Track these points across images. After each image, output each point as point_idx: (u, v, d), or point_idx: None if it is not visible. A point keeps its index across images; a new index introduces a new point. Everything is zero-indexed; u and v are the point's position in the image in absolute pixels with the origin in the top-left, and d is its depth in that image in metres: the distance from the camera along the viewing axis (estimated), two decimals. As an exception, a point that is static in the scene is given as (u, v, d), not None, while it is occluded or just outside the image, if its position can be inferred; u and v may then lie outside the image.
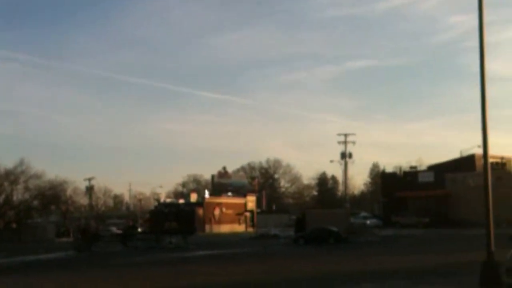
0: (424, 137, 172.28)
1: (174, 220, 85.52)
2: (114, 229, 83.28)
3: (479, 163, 62.64)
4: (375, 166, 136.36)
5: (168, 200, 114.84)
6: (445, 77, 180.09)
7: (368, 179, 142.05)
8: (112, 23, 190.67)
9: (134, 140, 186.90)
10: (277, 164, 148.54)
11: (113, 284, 29.18)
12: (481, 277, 22.56)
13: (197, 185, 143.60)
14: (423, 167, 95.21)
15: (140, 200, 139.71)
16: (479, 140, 23.88)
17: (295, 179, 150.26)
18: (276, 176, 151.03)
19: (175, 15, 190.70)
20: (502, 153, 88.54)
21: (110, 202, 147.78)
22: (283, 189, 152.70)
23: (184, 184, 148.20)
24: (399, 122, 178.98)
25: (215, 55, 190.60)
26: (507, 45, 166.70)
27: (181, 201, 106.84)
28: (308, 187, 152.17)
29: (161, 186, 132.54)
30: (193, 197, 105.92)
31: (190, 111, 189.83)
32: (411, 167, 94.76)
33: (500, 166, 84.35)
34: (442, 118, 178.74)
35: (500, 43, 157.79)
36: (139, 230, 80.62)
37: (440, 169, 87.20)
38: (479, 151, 24.32)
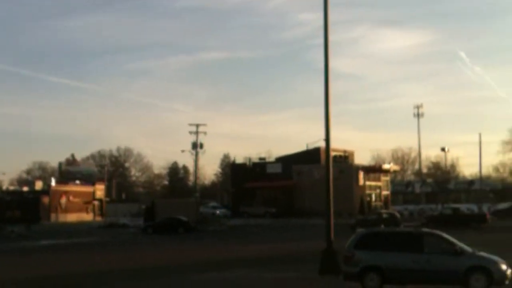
0: (274, 129, 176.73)
1: (17, 208, 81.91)
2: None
3: (324, 156, 65.15)
4: (225, 157, 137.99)
5: (11, 187, 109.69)
6: (295, 71, 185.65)
7: (219, 170, 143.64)
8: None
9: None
10: (128, 152, 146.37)
11: None
12: (321, 265, 23.59)
13: (43, 172, 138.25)
14: (272, 158, 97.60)
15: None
16: (324, 133, 24.87)
17: (146, 168, 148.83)
18: (126, 165, 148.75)
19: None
20: (345, 147, 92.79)
21: None
22: (133, 178, 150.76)
23: (29, 171, 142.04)
24: (250, 114, 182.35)
25: (65, 39, 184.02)
26: (352, 44, 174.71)
27: (25, 189, 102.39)
28: (159, 176, 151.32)
29: (3, 173, 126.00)
30: (38, 185, 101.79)
31: (37, 96, 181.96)
32: (260, 159, 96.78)
33: (343, 159, 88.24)
34: (292, 111, 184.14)
35: (345, 41, 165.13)
36: (-22, 219, 76.34)
37: (287, 161, 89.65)
38: (324, 144, 25.41)
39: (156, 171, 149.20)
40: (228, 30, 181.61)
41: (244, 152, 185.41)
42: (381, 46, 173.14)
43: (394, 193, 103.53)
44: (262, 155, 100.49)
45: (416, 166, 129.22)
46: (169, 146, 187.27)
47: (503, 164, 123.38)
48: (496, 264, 19.22)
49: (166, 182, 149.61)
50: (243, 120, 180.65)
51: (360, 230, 22.10)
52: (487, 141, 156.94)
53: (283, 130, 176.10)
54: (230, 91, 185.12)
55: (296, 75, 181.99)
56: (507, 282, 19.08)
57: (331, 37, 24.71)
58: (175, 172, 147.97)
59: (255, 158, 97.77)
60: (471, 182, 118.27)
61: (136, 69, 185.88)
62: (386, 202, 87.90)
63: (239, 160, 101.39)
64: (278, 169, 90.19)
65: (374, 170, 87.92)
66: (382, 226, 35.98)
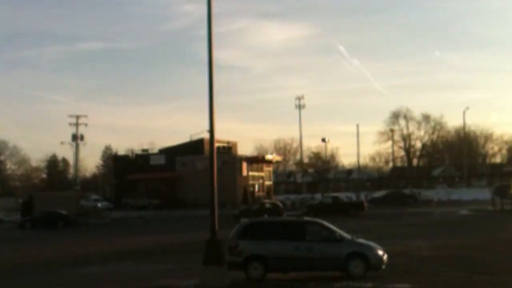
0: (157, 121, 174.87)
1: None
2: None
3: (208, 147, 65.35)
4: (107, 149, 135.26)
5: None
6: (179, 62, 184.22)
7: (101, 162, 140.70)
8: None
9: None
10: (2, 145, 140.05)
11: None
12: (205, 256, 23.60)
13: None
14: (155, 150, 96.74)
15: None
16: (208, 125, 24.91)
17: (23, 161, 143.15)
18: (1, 158, 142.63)
19: None
20: (229, 138, 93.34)
21: None
22: (9, 172, 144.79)
23: None
24: (133, 105, 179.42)
25: None
26: (235, 36, 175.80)
27: None
28: (37, 169, 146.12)
29: None
30: None
31: None
32: (143, 150, 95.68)
33: (227, 150, 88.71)
34: (176, 102, 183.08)
35: (229, 33, 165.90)
36: None
37: (171, 152, 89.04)
38: (207, 135, 25.49)
39: (34, 164, 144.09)
40: (110, 20, 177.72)
41: (127, 144, 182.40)
42: (264, 38, 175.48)
43: (276, 183, 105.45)
44: (145, 147, 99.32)
45: (298, 157, 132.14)
46: (48, 138, 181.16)
47: (379, 154, 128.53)
48: (373, 250, 20.06)
49: (44, 176, 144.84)
50: (126, 111, 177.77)
51: (243, 220, 22.31)
52: (365, 131, 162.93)
53: (167, 121, 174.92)
54: (112, 82, 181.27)
55: (180, 66, 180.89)
56: (383, 266, 19.97)
57: (215, 29, 24.76)
58: (54, 165, 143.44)
59: (138, 150, 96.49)
60: (349, 172, 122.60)
61: (13, 59, 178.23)
62: (269, 192, 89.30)
63: (122, 152, 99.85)
64: (161, 160, 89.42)
65: (257, 160, 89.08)
66: (265, 215, 36.53)
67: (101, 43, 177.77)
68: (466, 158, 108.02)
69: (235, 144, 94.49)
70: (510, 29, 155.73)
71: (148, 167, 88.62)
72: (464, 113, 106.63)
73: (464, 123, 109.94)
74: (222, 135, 79.62)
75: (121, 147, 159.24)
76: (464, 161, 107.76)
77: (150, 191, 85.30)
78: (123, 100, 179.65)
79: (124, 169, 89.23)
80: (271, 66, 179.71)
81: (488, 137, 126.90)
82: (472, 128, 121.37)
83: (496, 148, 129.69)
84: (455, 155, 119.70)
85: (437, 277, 20.03)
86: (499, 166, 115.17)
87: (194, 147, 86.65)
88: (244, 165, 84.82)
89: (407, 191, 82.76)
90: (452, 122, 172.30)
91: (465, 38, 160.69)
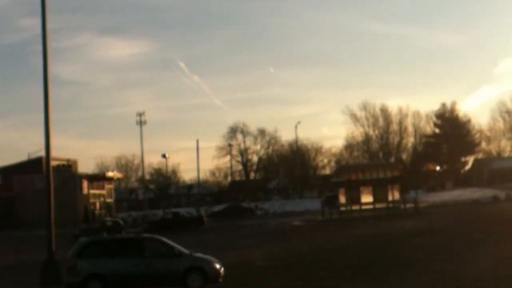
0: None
1: None
2: None
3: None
4: None
5: None
6: (15, 77, 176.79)
7: None
8: None
9: None
10: None
11: None
12: (41, 277, 23.19)
13: None
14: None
15: None
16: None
17: None
18: None
19: None
20: (69, 155, 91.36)
21: None
22: None
23: None
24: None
25: None
26: (75, 51, 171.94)
27: None
28: None
29: None
30: None
31: None
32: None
33: (67, 168, 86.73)
34: (12, 119, 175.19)
35: (70, 48, 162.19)
36: None
37: (8, 171, 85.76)
38: (46, 153, 25.16)
39: None
40: None
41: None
42: (104, 53, 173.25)
43: (118, 200, 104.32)
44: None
45: (140, 173, 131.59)
46: None
47: (219, 169, 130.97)
48: (210, 264, 20.65)
49: None
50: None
51: (82, 239, 22.29)
52: (205, 147, 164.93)
53: (3, 139, 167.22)
54: None
55: (18, 81, 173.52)
56: (220, 279, 20.62)
57: (54, 44, 24.74)
58: None
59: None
60: (190, 187, 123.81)
61: None
62: (110, 209, 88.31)
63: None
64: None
65: (98, 178, 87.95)
66: (105, 234, 36.48)
67: None
68: (298, 170, 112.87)
69: (75, 162, 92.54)
70: (338, 46, 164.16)
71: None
72: (296, 127, 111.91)
73: (297, 137, 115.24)
74: (62, 152, 78.27)
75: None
76: (297, 174, 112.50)
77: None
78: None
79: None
80: (113, 82, 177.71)
81: (318, 150, 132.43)
82: (304, 141, 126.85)
83: (325, 161, 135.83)
84: (289, 168, 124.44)
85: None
86: (328, 177, 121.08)
87: (33, 166, 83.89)
88: (85, 183, 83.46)
89: (245, 204, 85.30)
90: (286, 136, 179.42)
91: (296, 55, 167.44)
